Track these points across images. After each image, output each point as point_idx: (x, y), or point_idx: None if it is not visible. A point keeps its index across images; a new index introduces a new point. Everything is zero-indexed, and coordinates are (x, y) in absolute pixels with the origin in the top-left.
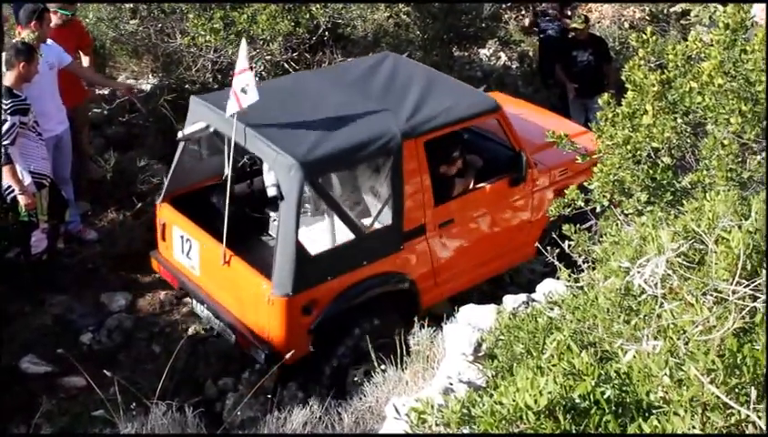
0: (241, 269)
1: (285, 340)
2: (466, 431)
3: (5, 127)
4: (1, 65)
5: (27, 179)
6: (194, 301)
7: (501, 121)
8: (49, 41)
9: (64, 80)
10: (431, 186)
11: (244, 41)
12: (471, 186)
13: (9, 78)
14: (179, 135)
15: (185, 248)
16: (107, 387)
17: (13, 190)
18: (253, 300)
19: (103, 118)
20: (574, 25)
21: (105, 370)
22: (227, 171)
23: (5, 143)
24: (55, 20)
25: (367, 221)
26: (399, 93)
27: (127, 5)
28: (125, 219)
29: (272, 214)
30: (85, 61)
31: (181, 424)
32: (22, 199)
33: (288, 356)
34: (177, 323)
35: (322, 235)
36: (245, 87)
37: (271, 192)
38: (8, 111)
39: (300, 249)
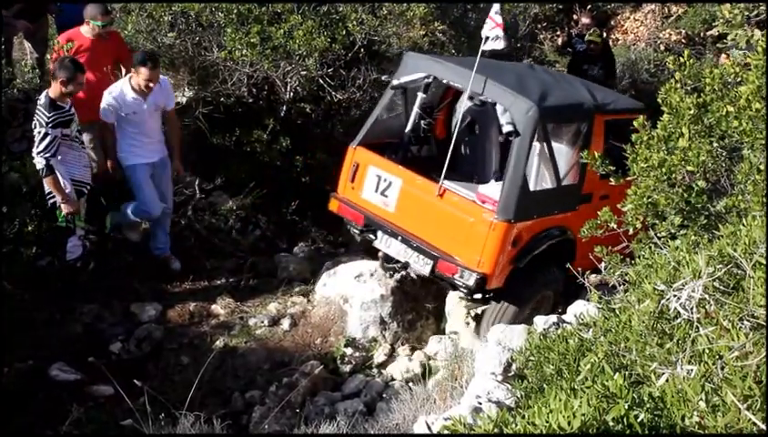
0: (457, 200)
1: (495, 264)
2: None
3: (46, 141)
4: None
5: (68, 187)
6: (380, 236)
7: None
8: (163, 78)
9: (98, 91)
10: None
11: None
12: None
13: (53, 90)
14: (393, 82)
15: (380, 186)
16: (136, 396)
17: (54, 196)
18: (468, 228)
19: None
20: (589, 38)
21: (134, 380)
22: (460, 112)
23: (46, 155)
24: (89, 31)
25: (560, 176)
26: (569, 84)
27: (166, 18)
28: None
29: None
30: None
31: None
32: (65, 208)
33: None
34: (207, 335)
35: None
36: (496, 36)
37: (507, 129)
38: (50, 124)
39: (525, 183)
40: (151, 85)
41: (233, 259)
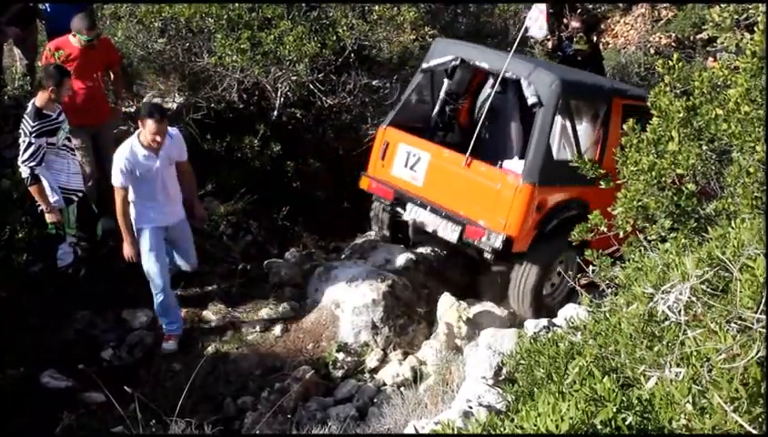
0: (483, 169)
1: (520, 227)
2: None
3: (30, 150)
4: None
5: (55, 196)
6: (409, 208)
7: None
8: (173, 131)
9: (89, 99)
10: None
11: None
12: None
13: (39, 99)
14: (423, 66)
15: (410, 161)
16: (127, 403)
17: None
18: (495, 194)
19: (129, 135)
20: (576, 46)
21: (125, 387)
22: (483, 97)
23: (31, 164)
24: (76, 43)
25: (581, 149)
26: (588, 73)
27: (156, 24)
28: None
29: None
30: (113, 77)
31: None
32: (48, 217)
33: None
34: (198, 341)
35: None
36: (538, 24)
37: (531, 101)
38: (34, 134)
39: (549, 151)
40: (158, 139)
41: (224, 264)
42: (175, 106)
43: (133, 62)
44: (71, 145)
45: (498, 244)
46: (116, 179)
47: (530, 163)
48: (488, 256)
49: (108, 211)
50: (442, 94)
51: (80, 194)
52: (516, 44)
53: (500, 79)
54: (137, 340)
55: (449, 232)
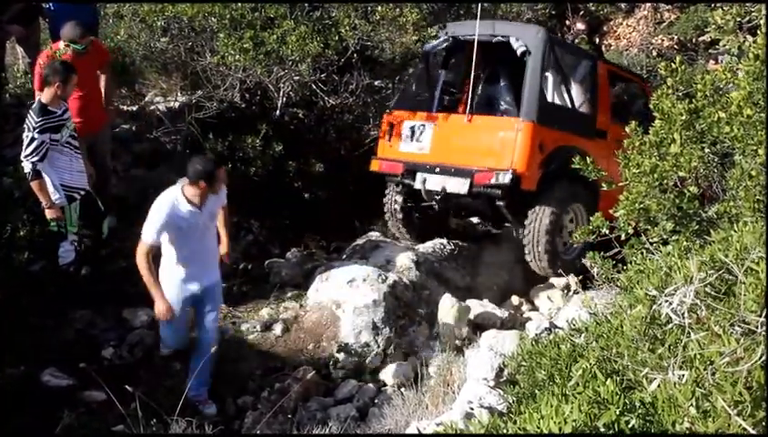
0: (485, 119)
1: (526, 162)
2: None
3: (33, 145)
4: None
5: (57, 193)
6: (419, 176)
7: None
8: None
9: (84, 108)
10: (611, 108)
11: None
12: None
13: (46, 95)
14: (424, 48)
15: (416, 134)
16: (128, 402)
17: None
18: (499, 139)
19: (131, 134)
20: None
21: (125, 386)
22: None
23: (33, 160)
24: (68, 52)
25: (574, 102)
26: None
27: (159, 23)
28: None
29: None
30: (102, 79)
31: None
32: (48, 213)
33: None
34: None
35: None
36: None
37: (520, 50)
38: (37, 129)
39: (543, 93)
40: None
41: (225, 264)
42: (177, 105)
43: (135, 61)
44: (75, 142)
45: (507, 180)
46: (149, 234)
47: (527, 103)
48: (500, 204)
49: (113, 210)
50: (439, 84)
51: (83, 192)
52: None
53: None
54: (138, 340)
55: (460, 185)
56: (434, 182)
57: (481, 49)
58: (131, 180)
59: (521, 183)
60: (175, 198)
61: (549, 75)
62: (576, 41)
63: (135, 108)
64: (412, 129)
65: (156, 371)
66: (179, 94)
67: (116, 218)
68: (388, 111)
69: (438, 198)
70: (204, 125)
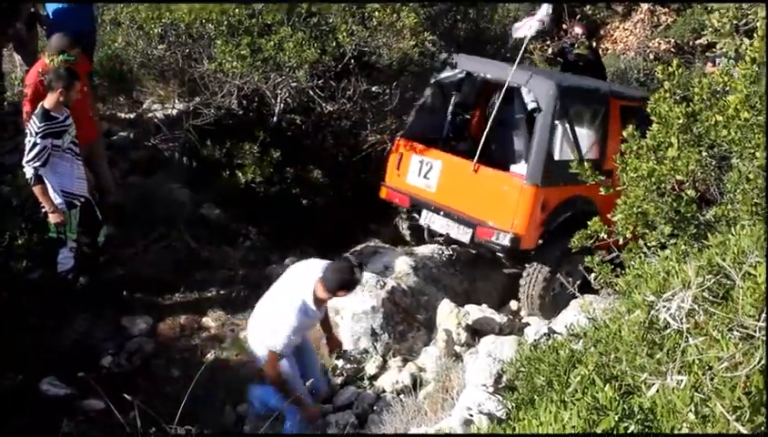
0: (490, 173)
1: (527, 225)
2: None
3: (35, 150)
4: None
5: (58, 199)
6: (424, 214)
7: None
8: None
9: (76, 120)
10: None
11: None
12: None
13: (49, 101)
14: (432, 79)
15: (423, 170)
16: (127, 411)
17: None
18: (502, 196)
19: (128, 142)
20: (577, 51)
21: (124, 394)
22: (496, 100)
23: (35, 165)
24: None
25: (582, 151)
26: (587, 78)
27: (156, 30)
28: (148, 243)
29: None
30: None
31: None
32: (52, 218)
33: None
34: (197, 348)
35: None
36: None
37: (531, 106)
38: (40, 134)
39: (550, 152)
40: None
41: (224, 271)
42: (174, 112)
43: (133, 68)
44: (76, 149)
45: (506, 242)
46: (283, 346)
47: (533, 166)
48: (500, 255)
49: (110, 219)
50: (451, 106)
51: (83, 199)
52: (520, 57)
53: (504, 89)
54: (137, 348)
55: (462, 234)
56: (439, 224)
57: (492, 87)
58: (128, 188)
59: (521, 243)
60: (305, 304)
61: (558, 125)
62: (575, 45)
63: (132, 116)
64: (421, 163)
65: (155, 379)
66: (177, 101)
67: (113, 226)
68: (398, 137)
69: (441, 239)
70: (201, 132)
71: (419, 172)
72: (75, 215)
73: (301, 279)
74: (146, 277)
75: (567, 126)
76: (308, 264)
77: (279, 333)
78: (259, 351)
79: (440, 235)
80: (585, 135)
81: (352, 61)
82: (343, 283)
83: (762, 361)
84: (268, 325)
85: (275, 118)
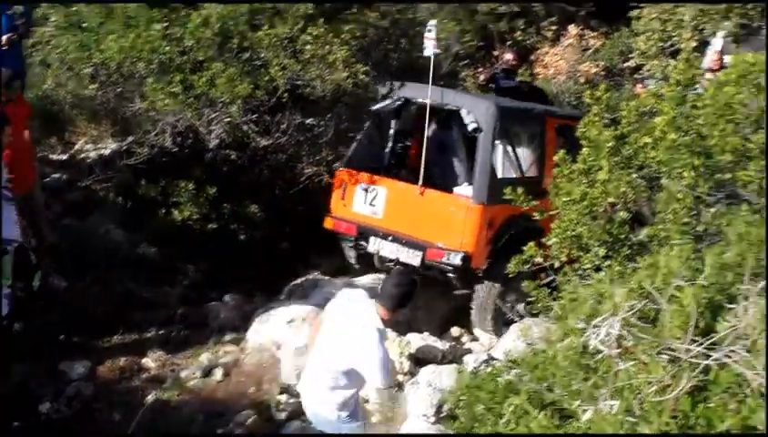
0: (437, 195)
1: (476, 243)
2: None
3: None
4: None
5: None
6: (372, 240)
7: None
8: None
9: (14, 164)
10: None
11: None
12: None
13: None
14: (372, 108)
15: (368, 198)
16: None
17: None
18: (449, 217)
19: (62, 183)
20: (520, 79)
21: None
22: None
23: None
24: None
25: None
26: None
27: (87, 70)
28: (85, 286)
29: None
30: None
31: None
32: None
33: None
34: (138, 390)
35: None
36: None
37: (471, 127)
38: None
39: (493, 170)
40: None
41: (163, 310)
42: (108, 152)
43: (64, 109)
44: (8, 194)
45: (458, 261)
46: (389, 377)
47: (478, 184)
48: (451, 276)
49: (46, 261)
50: (391, 133)
51: (15, 244)
52: (431, 74)
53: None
54: (76, 392)
55: (412, 257)
56: (388, 250)
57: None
58: (63, 230)
59: (472, 262)
60: (381, 333)
61: (498, 145)
62: (507, 70)
63: (65, 157)
64: (365, 190)
65: (96, 423)
66: (110, 140)
67: (49, 269)
68: (340, 167)
69: (391, 265)
70: (136, 171)
71: (364, 200)
72: (8, 260)
73: (357, 315)
74: (83, 320)
75: (507, 145)
76: (346, 300)
77: (382, 367)
78: (330, 410)
79: (391, 260)
80: (525, 154)
81: (285, 95)
82: (407, 296)
83: (690, 384)
84: (349, 376)
85: (210, 155)
